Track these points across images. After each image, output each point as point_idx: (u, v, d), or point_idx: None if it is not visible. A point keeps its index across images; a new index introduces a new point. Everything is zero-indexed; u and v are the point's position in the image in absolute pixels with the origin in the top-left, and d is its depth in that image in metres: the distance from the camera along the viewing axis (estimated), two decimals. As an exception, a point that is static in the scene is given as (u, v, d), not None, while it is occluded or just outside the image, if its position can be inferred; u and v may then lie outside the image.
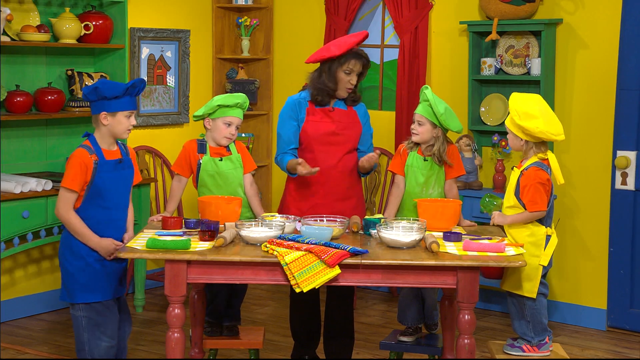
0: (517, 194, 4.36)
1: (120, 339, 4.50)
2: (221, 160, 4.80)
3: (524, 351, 4.39)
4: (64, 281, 4.38)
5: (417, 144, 4.78)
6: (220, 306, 4.86)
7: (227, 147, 4.84)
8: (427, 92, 4.72)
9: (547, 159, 4.39)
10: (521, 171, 4.37)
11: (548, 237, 4.38)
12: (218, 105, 4.76)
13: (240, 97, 4.83)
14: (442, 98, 6.40)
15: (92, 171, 4.30)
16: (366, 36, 4.91)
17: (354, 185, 4.94)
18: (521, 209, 4.34)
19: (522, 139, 4.37)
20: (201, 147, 4.82)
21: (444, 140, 4.73)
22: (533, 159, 4.38)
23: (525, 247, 4.33)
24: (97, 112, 4.34)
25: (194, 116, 4.85)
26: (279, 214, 4.77)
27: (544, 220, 4.38)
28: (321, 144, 4.86)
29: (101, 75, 6.25)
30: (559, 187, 6.11)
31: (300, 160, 4.68)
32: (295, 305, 5.04)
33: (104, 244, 4.32)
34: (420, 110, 4.73)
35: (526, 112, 4.32)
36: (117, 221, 4.43)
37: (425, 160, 4.73)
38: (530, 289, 4.35)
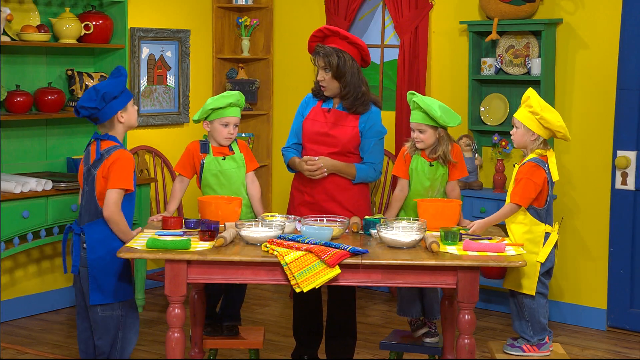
0: None
1: None
2: (224, 159, 4.80)
3: (524, 351, 4.39)
4: (100, 283, 4.32)
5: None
6: (222, 307, 4.87)
7: (230, 146, 4.84)
8: (417, 98, 4.67)
9: (546, 155, 4.39)
10: (519, 166, 4.39)
11: (547, 235, 4.39)
12: (211, 109, 4.76)
13: (233, 97, 4.80)
14: (442, 98, 6.44)
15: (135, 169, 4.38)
16: (321, 30, 4.91)
17: (347, 188, 4.90)
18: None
19: (534, 134, 4.36)
20: (204, 147, 4.82)
21: (447, 140, 4.71)
22: (531, 155, 4.38)
23: (524, 245, 4.33)
24: (111, 115, 4.33)
25: (193, 120, 4.87)
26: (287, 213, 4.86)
27: (543, 218, 4.39)
28: (310, 142, 4.89)
29: (101, 76, 6.25)
30: (559, 186, 6.13)
31: (306, 161, 4.79)
32: (297, 305, 5.04)
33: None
34: (416, 119, 4.67)
35: (547, 105, 4.35)
36: (132, 218, 4.48)
37: (431, 165, 4.71)
38: (528, 286, 4.37)
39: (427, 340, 4.79)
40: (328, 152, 4.84)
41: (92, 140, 4.39)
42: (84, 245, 4.33)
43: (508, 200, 4.40)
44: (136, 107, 4.46)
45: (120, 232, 4.34)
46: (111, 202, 4.29)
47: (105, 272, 4.33)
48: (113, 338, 4.37)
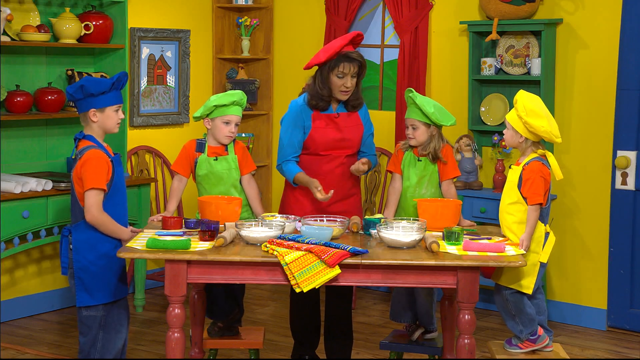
0: (519, 187, 4.37)
1: None
2: (216, 159, 4.80)
3: (521, 349, 4.40)
4: (86, 285, 4.32)
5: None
6: (225, 305, 4.87)
7: (226, 147, 4.83)
8: (413, 95, 4.73)
9: (545, 155, 4.40)
10: (522, 166, 4.38)
11: (547, 235, 4.39)
12: (214, 106, 4.75)
13: (236, 95, 4.80)
14: (442, 98, 6.45)
15: (112, 168, 4.33)
16: (356, 36, 4.85)
17: (355, 184, 4.97)
18: (524, 204, 4.34)
19: (521, 136, 4.38)
20: (200, 146, 4.82)
21: (439, 138, 4.75)
22: (533, 155, 4.39)
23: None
24: (85, 109, 4.33)
25: (194, 117, 4.86)
26: (279, 214, 4.77)
27: (542, 218, 4.39)
28: (325, 149, 4.86)
29: (101, 75, 6.25)
30: (558, 186, 6.14)
31: (318, 186, 4.65)
32: (296, 305, 5.04)
33: (132, 236, 4.33)
34: (411, 115, 4.75)
35: (533, 109, 4.34)
36: (126, 215, 4.46)
37: (419, 160, 4.75)
38: (527, 285, 4.37)
39: (427, 336, 4.81)
40: (345, 154, 4.85)
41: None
42: (71, 246, 4.34)
43: (512, 197, 4.37)
44: (121, 116, 4.40)
45: (110, 232, 4.31)
46: (89, 205, 4.25)
47: (92, 274, 4.32)
48: (94, 337, 4.36)
